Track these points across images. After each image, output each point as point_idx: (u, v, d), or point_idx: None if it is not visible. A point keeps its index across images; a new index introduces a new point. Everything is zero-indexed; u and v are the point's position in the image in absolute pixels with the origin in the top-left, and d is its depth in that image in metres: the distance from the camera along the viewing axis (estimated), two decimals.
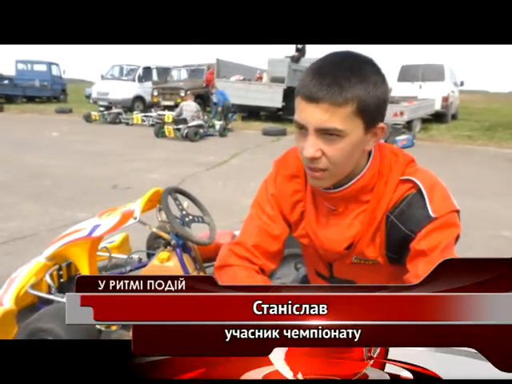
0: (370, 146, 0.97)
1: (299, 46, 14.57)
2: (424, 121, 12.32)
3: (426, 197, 0.94)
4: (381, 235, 1.02)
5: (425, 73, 13.04)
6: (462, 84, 15.15)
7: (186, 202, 2.05)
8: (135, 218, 1.86)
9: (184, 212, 1.95)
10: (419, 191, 0.96)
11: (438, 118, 13.29)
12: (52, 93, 20.01)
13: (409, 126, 10.46)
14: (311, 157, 0.92)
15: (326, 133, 0.90)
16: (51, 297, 1.94)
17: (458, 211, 0.96)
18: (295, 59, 14.17)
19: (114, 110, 12.24)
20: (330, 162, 0.93)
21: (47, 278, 2.00)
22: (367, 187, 1.01)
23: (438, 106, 12.72)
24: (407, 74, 13.22)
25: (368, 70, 0.91)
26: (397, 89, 13.43)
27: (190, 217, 1.96)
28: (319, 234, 1.09)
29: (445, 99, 12.96)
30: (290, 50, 14.89)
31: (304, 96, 0.90)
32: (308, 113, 0.90)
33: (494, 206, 4.48)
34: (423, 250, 0.92)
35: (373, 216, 1.01)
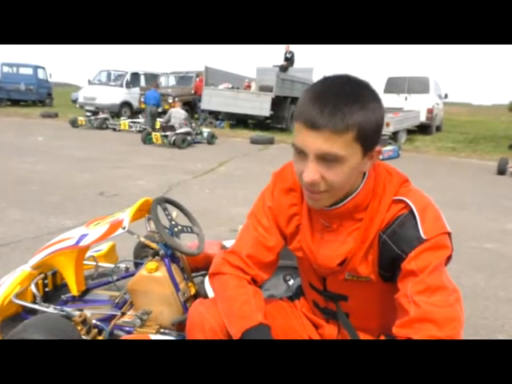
0: (367, 168, 1.00)
1: (288, 56, 14.73)
2: (409, 132, 12.53)
3: (417, 218, 0.96)
4: (373, 253, 1.03)
5: (410, 85, 13.31)
6: (446, 96, 15.46)
7: (174, 212, 2.05)
8: (124, 228, 1.85)
9: (173, 222, 1.95)
10: (411, 212, 0.98)
11: (423, 129, 13.54)
12: (37, 96, 19.75)
13: (394, 136, 10.64)
14: (311, 181, 0.93)
15: (325, 158, 0.91)
16: (36, 306, 1.91)
17: (449, 233, 0.97)
18: (283, 69, 14.31)
19: (101, 116, 12.15)
20: (329, 185, 0.94)
21: (32, 287, 1.98)
22: (361, 206, 1.03)
23: (423, 118, 12.97)
24: (393, 85, 13.47)
25: (367, 96, 0.92)
26: (383, 100, 13.63)
27: (179, 227, 1.96)
28: (313, 249, 1.11)
29: (430, 111, 13.23)
30: (278, 59, 15.05)
31: (305, 122, 0.90)
32: (309, 139, 0.90)
33: (476, 218, 4.56)
34: (413, 270, 0.94)
35: (366, 234, 1.03)
